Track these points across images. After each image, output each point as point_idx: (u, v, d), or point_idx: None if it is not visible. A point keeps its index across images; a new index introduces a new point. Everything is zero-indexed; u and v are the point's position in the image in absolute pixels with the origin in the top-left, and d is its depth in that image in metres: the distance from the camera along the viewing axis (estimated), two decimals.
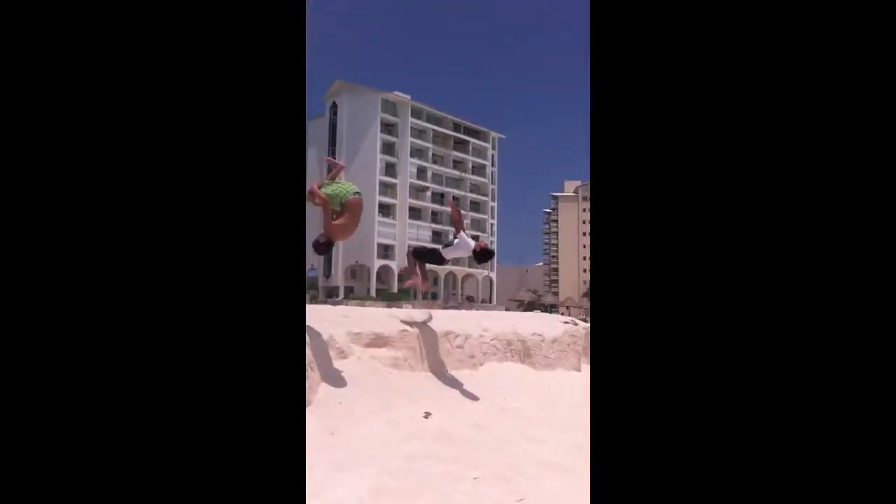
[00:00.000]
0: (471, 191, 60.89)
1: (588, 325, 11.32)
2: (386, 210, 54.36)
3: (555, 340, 8.31)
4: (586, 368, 9.31)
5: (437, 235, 55.47)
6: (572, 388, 7.41)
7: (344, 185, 4.93)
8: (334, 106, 58.96)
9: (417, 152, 57.12)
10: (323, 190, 4.82)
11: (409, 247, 5.83)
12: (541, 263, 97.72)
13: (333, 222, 4.81)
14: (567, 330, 8.88)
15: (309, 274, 50.57)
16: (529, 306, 42.54)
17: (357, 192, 4.92)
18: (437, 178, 58.45)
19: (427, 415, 4.57)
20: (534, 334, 8.02)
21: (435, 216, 56.92)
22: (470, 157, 61.15)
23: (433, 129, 58.39)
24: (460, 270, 58.77)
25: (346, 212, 4.86)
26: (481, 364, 6.78)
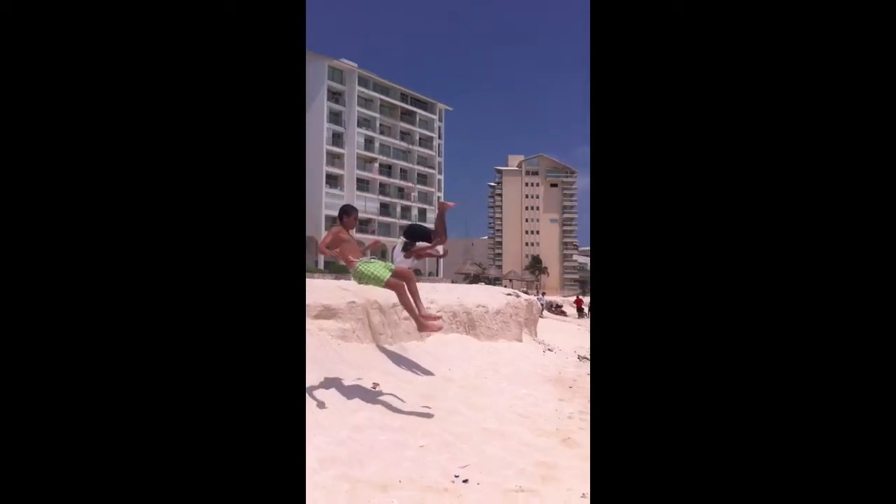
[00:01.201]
0: (418, 163, 60.44)
1: (528, 297, 11.70)
2: (333, 181, 53.07)
3: (498, 312, 8.55)
4: (527, 338, 9.65)
5: (384, 208, 55.06)
6: (514, 357, 7.68)
7: (378, 274, 4.33)
8: None
9: (364, 122, 55.91)
10: (363, 267, 4.31)
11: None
12: (486, 237, 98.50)
13: (348, 259, 4.33)
14: (510, 302, 9.13)
15: None
16: (474, 279, 43.01)
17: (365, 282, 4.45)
18: (384, 149, 57.51)
19: (375, 385, 4.67)
20: (478, 306, 8.22)
21: (383, 188, 56.34)
22: (417, 129, 60.39)
23: (380, 99, 57.24)
24: None
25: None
26: (428, 335, 6.92)
